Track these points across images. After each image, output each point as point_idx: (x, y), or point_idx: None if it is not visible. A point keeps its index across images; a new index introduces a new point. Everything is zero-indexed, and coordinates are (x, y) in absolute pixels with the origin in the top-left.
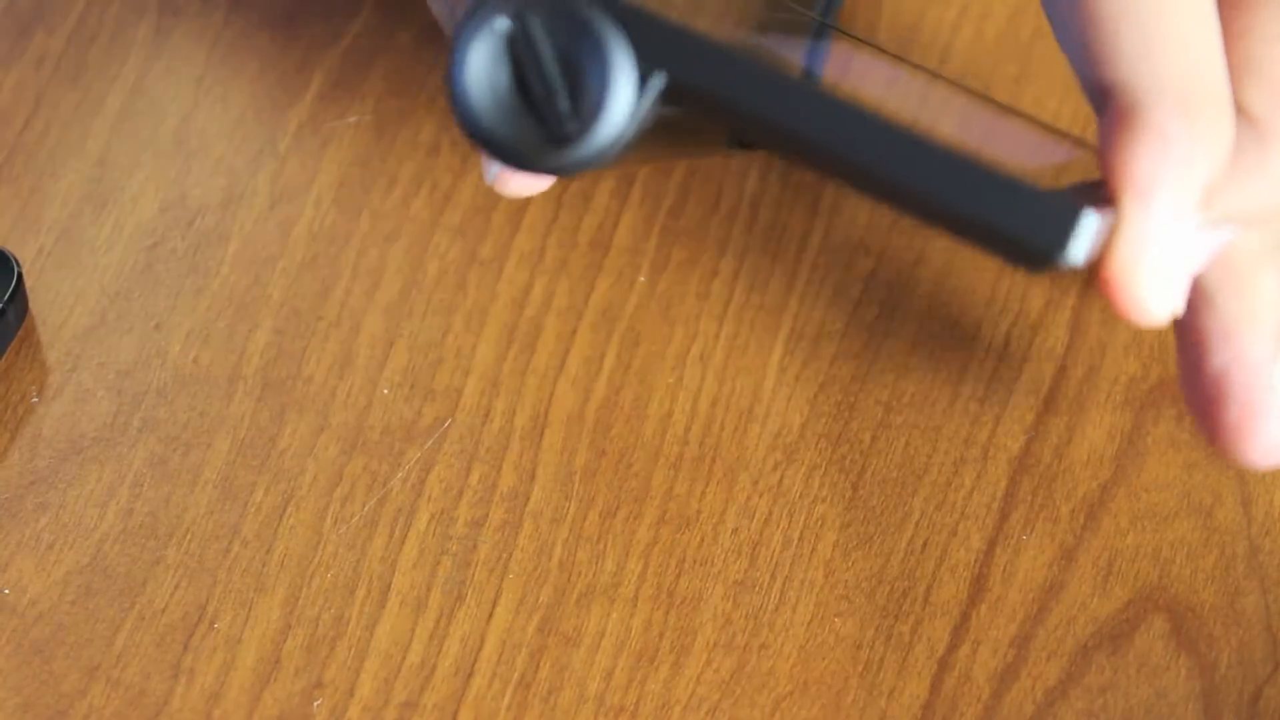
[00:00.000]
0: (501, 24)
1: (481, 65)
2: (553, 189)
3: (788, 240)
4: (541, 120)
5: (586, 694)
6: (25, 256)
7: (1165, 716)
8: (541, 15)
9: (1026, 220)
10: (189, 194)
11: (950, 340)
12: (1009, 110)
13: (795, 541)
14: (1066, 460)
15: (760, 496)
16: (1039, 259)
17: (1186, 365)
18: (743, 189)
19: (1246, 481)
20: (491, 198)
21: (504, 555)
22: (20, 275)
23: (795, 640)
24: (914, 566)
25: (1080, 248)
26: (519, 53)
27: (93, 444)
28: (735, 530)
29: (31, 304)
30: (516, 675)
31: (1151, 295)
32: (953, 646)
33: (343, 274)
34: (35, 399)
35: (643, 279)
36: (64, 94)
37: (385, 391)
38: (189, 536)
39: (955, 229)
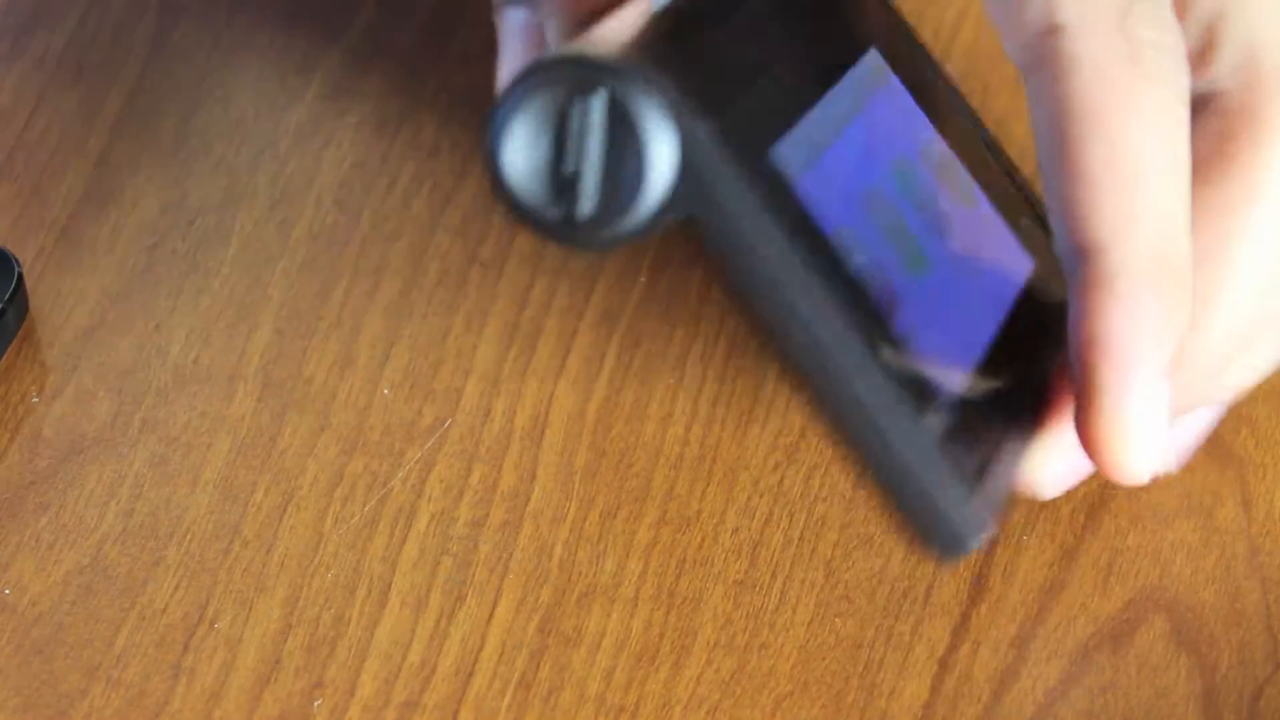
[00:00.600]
0: (552, 97)
1: (523, 132)
2: None
3: None
4: (567, 194)
5: (587, 694)
6: (25, 256)
7: (1165, 716)
8: (592, 100)
9: (928, 521)
10: (189, 194)
11: None
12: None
13: (795, 541)
14: None
15: (760, 496)
16: (929, 547)
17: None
18: None
19: (1247, 482)
20: (492, 198)
21: (504, 555)
22: (20, 275)
23: (796, 640)
24: (914, 566)
25: (972, 548)
26: (561, 127)
27: (93, 444)
28: (735, 530)
29: (32, 304)
30: (517, 675)
31: (1136, 461)
32: (953, 646)
33: (343, 274)
34: (35, 399)
35: (643, 279)
36: (64, 94)
37: (386, 392)
38: (189, 537)
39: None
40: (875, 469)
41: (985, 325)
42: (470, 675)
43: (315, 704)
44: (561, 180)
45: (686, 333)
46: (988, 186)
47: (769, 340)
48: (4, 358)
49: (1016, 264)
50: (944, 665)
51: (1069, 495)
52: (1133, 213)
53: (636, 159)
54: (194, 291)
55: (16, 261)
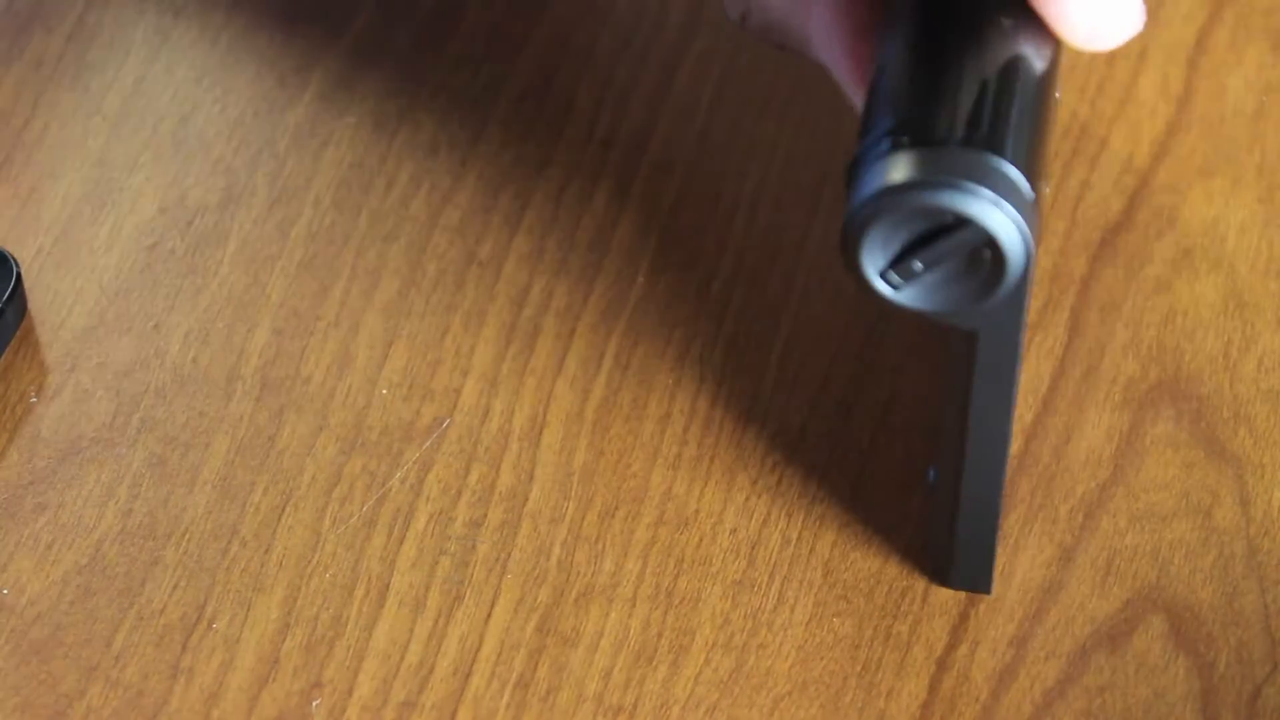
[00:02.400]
0: (909, 205)
1: (879, 233)
2: (550, 188)
3: (788, 240)
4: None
5: (585, 694)
6: (24, 256)
7: (1164, 716)
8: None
9: (977, 558)
10: (188, 194)
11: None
12: None
13: (794, 541)
14: (1065, 460)
15: (759, 496)
16: (942, 580)
17: None
18: (742, 189)
19: (1245, 481)
20: (491, 197)
21: (502, 555)
22: (19, 275)
23: (794, 640)
24: (913, 566)
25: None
26: (922, 231)
27: (91, 444)
28: (734, 530)
29: (30, 304)
30: (515, 675)
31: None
32: (951, 646)
33: (341, 274)
34: (34, 399)
35: (642, 279)
36: (64, 94)
37: (384, 391)
38: (188, 536)
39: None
40: (962, 504)
41: None
42: (468, 675)
43: (314, 704)
44: (910, 270)
45: (685, 333)
46: None
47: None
48: (2, 357)
49: None
50: (942, 665)
51: (1067, 495)
52: None
53: (986, 275)
54: (192, 291)
55: (15, 261)
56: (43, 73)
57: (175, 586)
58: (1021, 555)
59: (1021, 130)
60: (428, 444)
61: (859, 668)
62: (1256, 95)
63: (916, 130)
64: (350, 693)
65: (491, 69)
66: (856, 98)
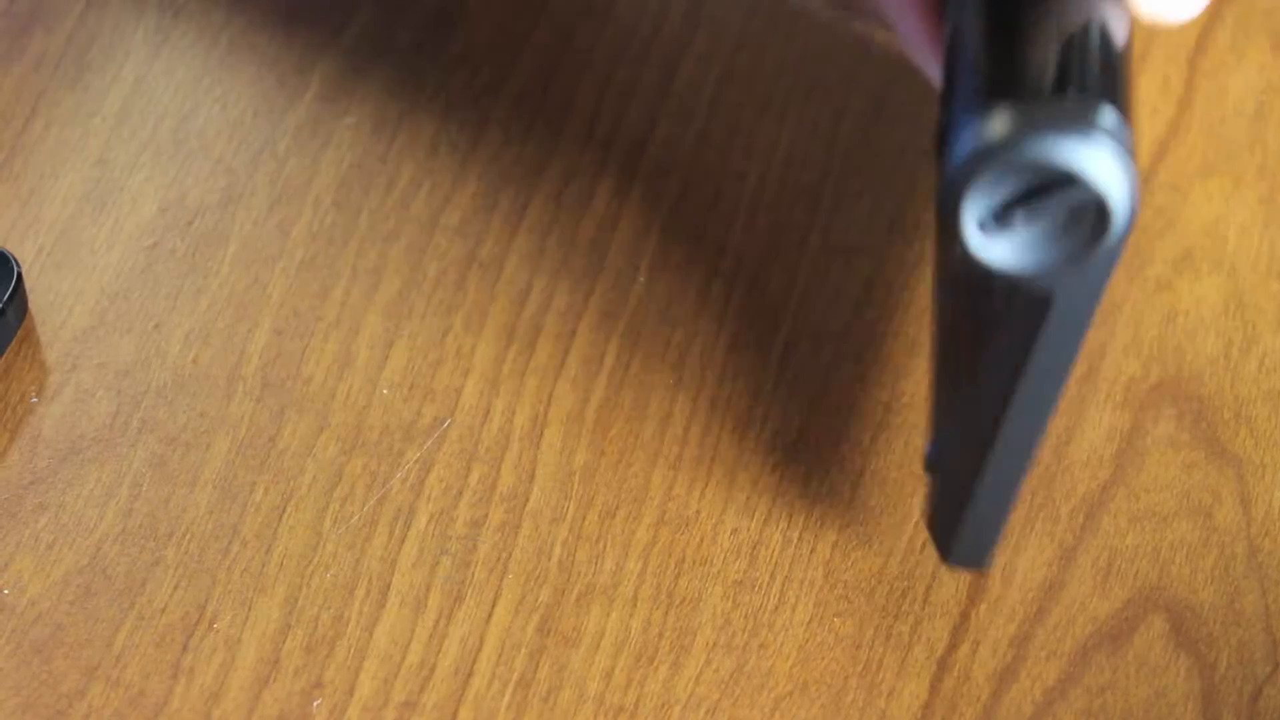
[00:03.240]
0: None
1: (981, 191)
2: (550, 188)
3: (788, 240)
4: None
5: (586, 694)
6: (25, 256)
7: (1164, 716)
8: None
9: (982, 535)
10: (188, 194)
11: None
12: None
13: (795, 541)
14: (1066, 460)
15: (760, 496)
16: (943, 555)
17: None
18: (742, 189)
19: (1246, 481)
20: (491, 197)
21: (503, 555)
22: (20, 275)
23: (795, 640)
24: (913, 566)
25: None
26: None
27: (92, 444)
28: (735, 530)
29: (31, 304)
30: (516, 675)
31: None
32: (952, 646)
33: (342, 274)
34: (35, 399)
35: (642, 279)
36: (64, 94)
37: (385, 391)
38: (188, 536)
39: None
40: (984, 478)
41: None
42: (469, 675)
43: (314, 704)
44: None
45: (686, 333)
46: None
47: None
48: (4, 358)
49: None
50: (943, 665)
51: (1068, 494)
52: None
53: (1087, 233)
54: (193, 291)
55: (16, 261)
56: (43, 73)
57: (176, 586)
58: (1022, 555)
59: (1122, 83)
60: (429, 444)
61: (860, 668)
62: (1257, 95)
63: (1015, 85)
64: (351, 693)
65: (491, 69)
66: (927, 62)
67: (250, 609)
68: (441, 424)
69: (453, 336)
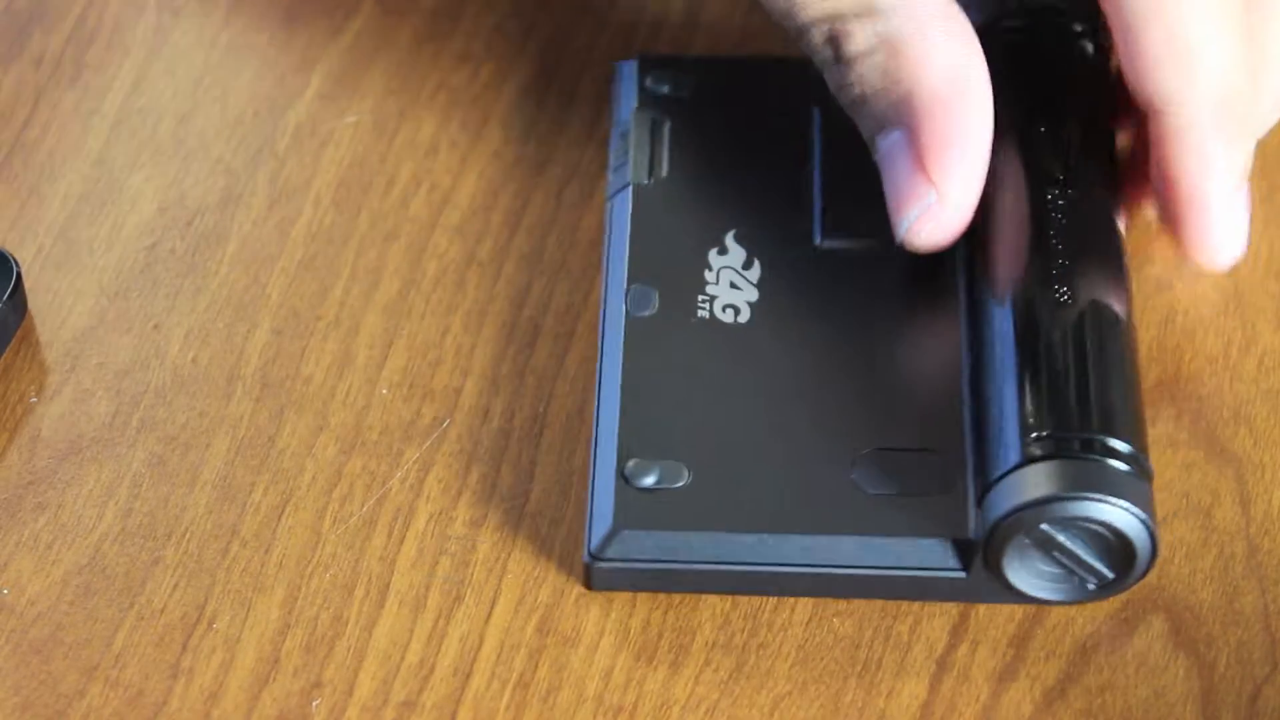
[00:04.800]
0: (1032, 534)
1: (1020, 557)
2: (550, 188)
3: None
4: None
5: (585, 694)
6: (24, 256)
7: (1163, 716)
8: (1067, 527)
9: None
10: (188, 194)
11: None
12: None
13: None
14: None
15: None
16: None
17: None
18: None
19: (1245, 481)
20: (491, 197)
21: (503, 555)
22: (19, 275)
23: (794, 640)
24: None
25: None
26: (1051, 547)
27: (91, 444)
28: None
29: (30, 304)
30: (515, 675)
31: (1226, 257)
32: (951, 646)
33: (341, 274)
34: (34, 399)
35: None
36: (63, 94)
37: (384, 391)
38: (188, 536)
39: None
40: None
41: None
42: (469, 675)
43: (314, 704)
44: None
45: None
46: None
47: None
48: (2, 358)
49: None
50: (942, 665)
51: None
52: (1192, 79)
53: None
54: (192, 291)
55: (15, 261)
56: (43, 73)
57: (175, 586)
58: None
59: (1140, 423)
60: (428, 444)
61: (859, 668)
62: None
63: (1050, 437)
64: (350, 692)
65: (491, 69)
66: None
67: (249, 609)
68: (441, 424)
69: (452, 336)
